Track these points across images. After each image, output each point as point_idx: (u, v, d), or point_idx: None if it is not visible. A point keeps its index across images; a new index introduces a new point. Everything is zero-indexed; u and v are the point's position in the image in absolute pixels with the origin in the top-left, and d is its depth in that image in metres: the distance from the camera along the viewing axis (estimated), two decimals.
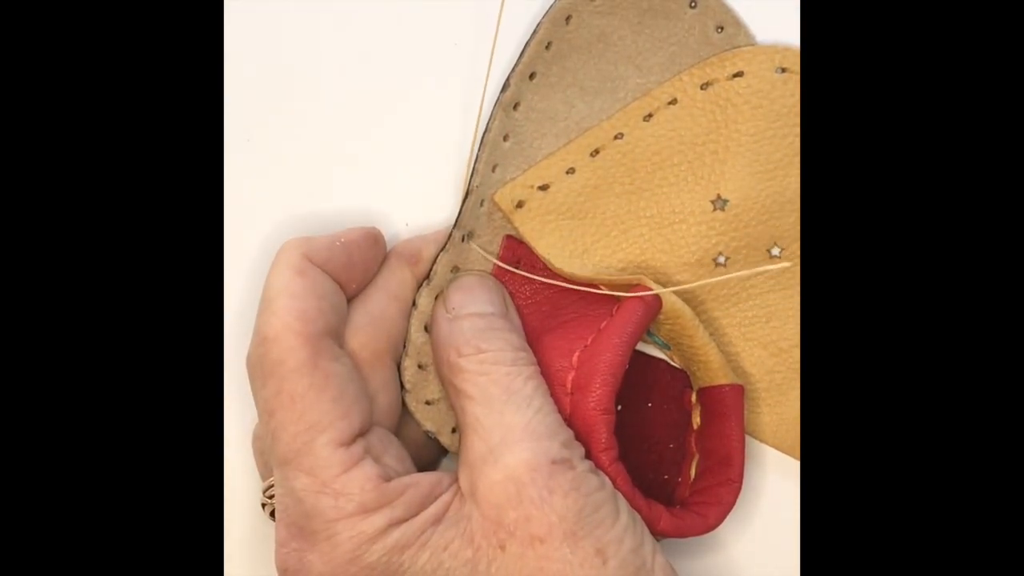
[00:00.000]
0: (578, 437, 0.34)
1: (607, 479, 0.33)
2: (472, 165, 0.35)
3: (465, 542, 0.31)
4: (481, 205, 0.36)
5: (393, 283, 0.35)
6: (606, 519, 0.31)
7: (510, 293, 0.36)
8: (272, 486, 0.34)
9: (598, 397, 0.33)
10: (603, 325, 0.35)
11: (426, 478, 0.32)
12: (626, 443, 0.36)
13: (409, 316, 0.35)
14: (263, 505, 0.34)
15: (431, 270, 0.35)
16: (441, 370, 0.34)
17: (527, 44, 0.35)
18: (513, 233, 0.36)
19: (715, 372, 0.36)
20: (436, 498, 0.32)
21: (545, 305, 0.36)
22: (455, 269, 0.35)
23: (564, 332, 0.35)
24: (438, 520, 0.31)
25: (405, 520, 0.31)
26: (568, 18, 0.35)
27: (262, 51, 0.37)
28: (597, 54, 0.36)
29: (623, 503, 0.32)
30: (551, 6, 0.35)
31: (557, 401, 0.34)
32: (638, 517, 0.33)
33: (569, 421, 0.34)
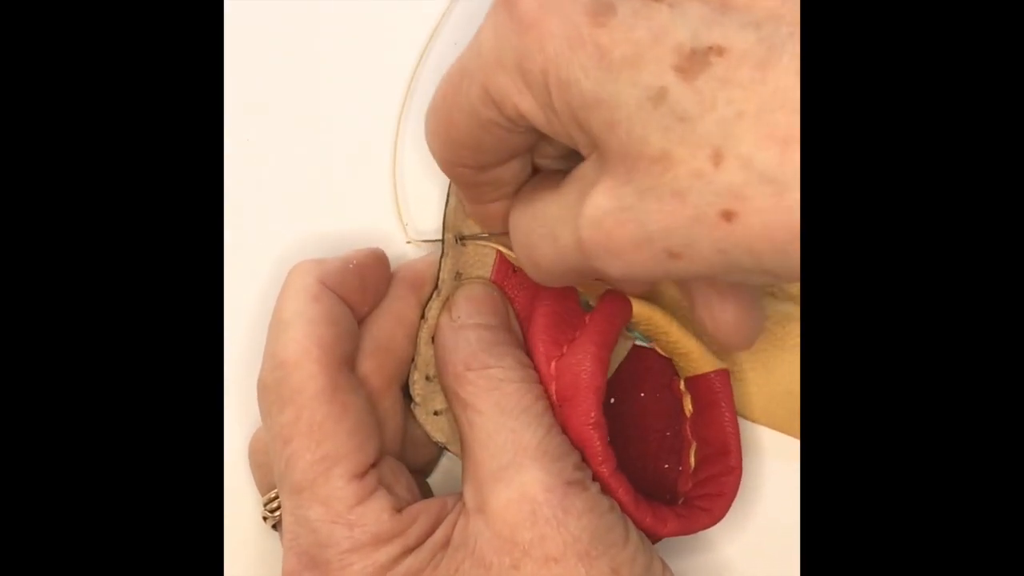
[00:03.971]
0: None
1: (615, 502, 0.33)
2: None
3: (476, 562, 0.31)
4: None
5: (398, 308, 0.34)
6: (618, 540, 0.31)
7: (510, 298, 0.36)
8: (272, 500, 0.34)
9: (585, 411, 0.33)
10: (577, 335, 0.35)
11: (434, 503, 0.32)
12: (623, 435, 0.36)
13: (417, 328, 0.35)
14: (264, 518, 0.34)
15: (438, 279, 0.35)
16: (445, 379, 0.34)
17: None
18: None
19: (698, 361, 0.37)
20: (442, 520, 0.32)
21: (533, 307, 0.36)
22: (457, 275, 0.35)
23: (545, 337, 0.35)
24: (446, 543, 0.31)
25: (416, 547, 0.31)
26: None
27: (262, 50, 0.37)
28: None
29: (631, 525, 0.32)
30: None
31: None
32: (645, 538, 0.33)
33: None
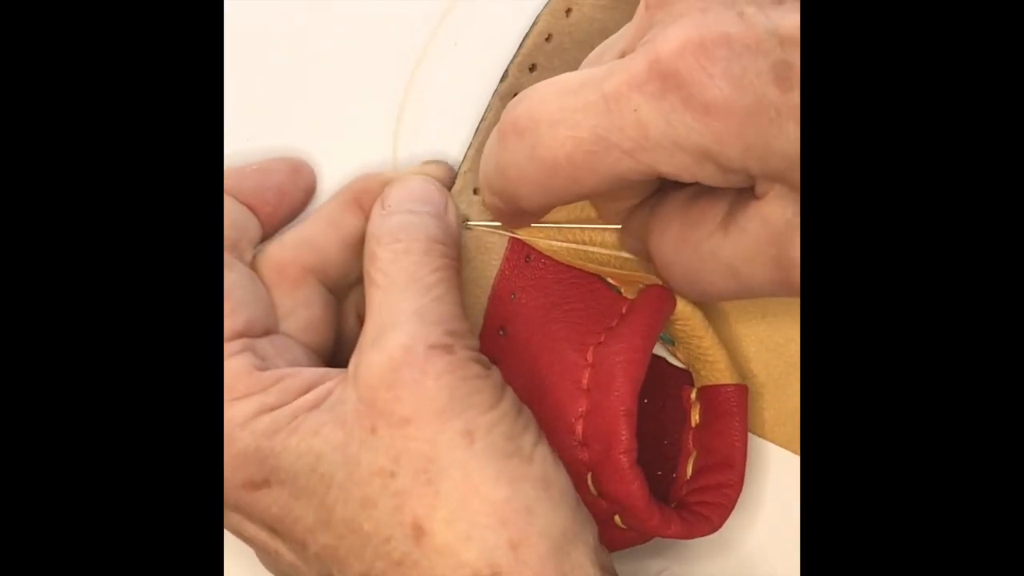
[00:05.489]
0: (596, 436, 0.33)
1: (497, 372, 0.32)
2: (465, 151, 0.36)
3: (337, 426, 0.30)
4: (475, 193, 0.36)
5: (334, 213, 0.35)
6: (481, 403, 0.30)
7: (521, 287, 0.36)
8: None
9: (621, 396, 0.33)
10: (614, 324, 0.35)
11: (310, 369, 0.32)
12: None
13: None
14: None
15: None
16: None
17: (527, 35, 0.35)
18: None
19: (721, 372, 0.37)
20: (318, 387, 0.32)
21: (553, 296, 0.36)
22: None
23: (573, 324, 0.35)
24: (315, 406, 0.31)
25: (279, 407, 0.31)
26: (568, 11, 0.35)
27: (262, 49, 0.37)
28: None
29: (510, 395, 0.32)
30: None
31: (569, 397, 0.34)
32: (527, 411, 0.32)
33: (584, 418, 0.34)
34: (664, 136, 0.26)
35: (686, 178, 0.27)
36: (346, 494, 0.30)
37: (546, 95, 0.29)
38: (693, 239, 0.30)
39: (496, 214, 0.33)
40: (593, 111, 0.27)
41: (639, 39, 0.28)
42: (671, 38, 0.26)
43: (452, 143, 0.37)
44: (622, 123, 0.27)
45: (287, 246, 0.35)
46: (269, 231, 0.35)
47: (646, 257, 0.33)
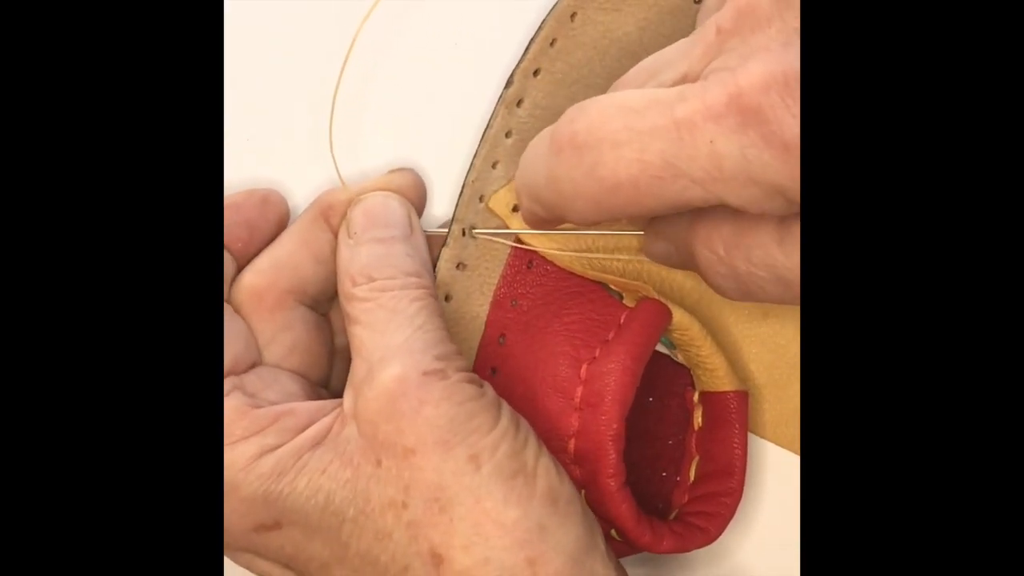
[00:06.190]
0: (585, 456, 0.34)
1: (489, 388, 0.32)
2: (471, 161, 0.36)
3: (344, 463, 0.31)
4: (480, 201, 0.36)
5: (306, 230, 0.35)
6: (482, 426, 0.31)
7: (521, 293, 0.36)
8: None
9: (608, 419, 0.33)
10: (611, 336, 0.35)
11: (305, 405, 0.32)
12: (626, 437, 0.36)
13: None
14: None
15: (435, 268, 0.35)
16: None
17: (532, 40, 0.35)
18: None
19: (721, 380, 0.37)
20: (316, 423, 0.32)
21: (554, 305, 0.36)
22: (460, 265, 0.35)
23: (569, 336, 0.35)
24: (317, 443, 0.31)
25: (279, 447, 0.31)
26: (573, 15, 0.35)
27: (262, 50, 0.37)
28: (602, 51, 0.36)
29: (507, 410, 0.32)
30: (556, 3, 0.35)
31: (562, 414, 0.34)
32: (524, 422, 0.32)
33: (576, 437, 0.34)
34: (739, 170, 0.26)
35: (753, 210, 0.27)
36: (360, 528, 0.31)
37: (608, 112, 0.27)
38: (745, 243, 0.29)
39: (532, 220, 0.33)
40: (662, 136, 0.26)
41: (706, 62, 0.27)
42: (753, 72, 0.25)
43: (457, 150, 0.37)
44: (694, 152, 0.26)
45: (262, 271, 0.35)
46: (243, 264, 0.35)
47: (672, 264, 0.32)
